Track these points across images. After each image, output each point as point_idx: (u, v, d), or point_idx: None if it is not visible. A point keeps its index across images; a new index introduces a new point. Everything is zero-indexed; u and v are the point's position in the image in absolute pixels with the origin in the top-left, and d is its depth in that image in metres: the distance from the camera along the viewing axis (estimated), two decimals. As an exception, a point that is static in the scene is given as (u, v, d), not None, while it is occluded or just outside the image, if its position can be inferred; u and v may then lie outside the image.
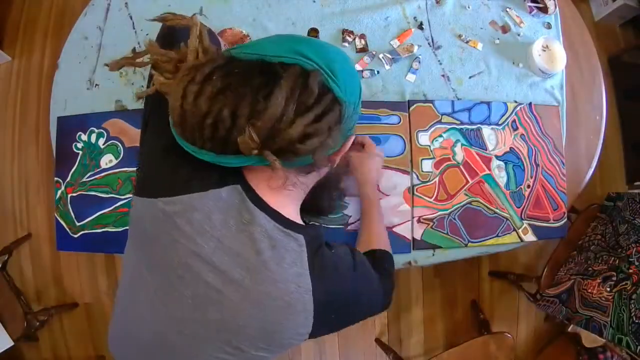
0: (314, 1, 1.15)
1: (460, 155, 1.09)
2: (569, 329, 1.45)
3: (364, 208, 0.96)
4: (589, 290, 1.34)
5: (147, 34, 1.14)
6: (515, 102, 1.14)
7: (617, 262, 1.34)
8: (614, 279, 1.30)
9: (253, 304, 0.52)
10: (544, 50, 1.15)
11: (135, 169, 1.05)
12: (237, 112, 0.46)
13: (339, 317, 0.59)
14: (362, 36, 1.13)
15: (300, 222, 0.58)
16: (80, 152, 1.09)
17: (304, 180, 0.58)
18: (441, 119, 1.09)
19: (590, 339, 1.39)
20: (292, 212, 0.58)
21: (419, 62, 1.13)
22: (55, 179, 1.08)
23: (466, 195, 1.07)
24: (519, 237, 1.08)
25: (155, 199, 0.54)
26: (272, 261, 0.52)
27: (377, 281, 0.67)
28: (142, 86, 1.11)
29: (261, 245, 0.52)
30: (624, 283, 1.27)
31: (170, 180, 0.55)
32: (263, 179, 0.55)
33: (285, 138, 0.47)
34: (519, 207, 1.09)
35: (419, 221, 1.05)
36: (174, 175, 0.55)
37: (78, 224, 1.05)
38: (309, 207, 0.65)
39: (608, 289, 1.29)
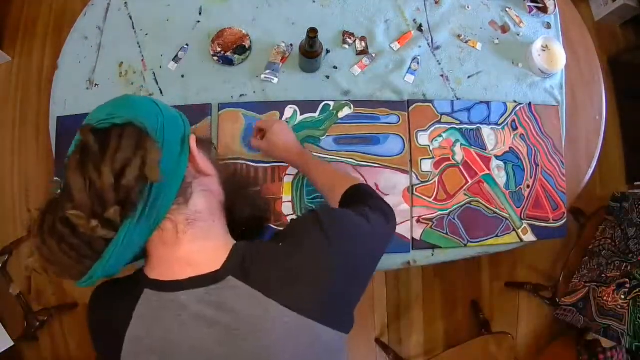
0: (314, 1, 1.15)
1: (459, 155, 1.08)
2: (588, 337, 1.45)
3: (301, 167, 0.93)
4: (605, 298, 1.34)
5: (146, 34, 1.14)
6: (515, 102, 1.14)
7: (629, 267, 1.34)
8: (628, 285, 1.30)
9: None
10: (544, 50, 1.15)
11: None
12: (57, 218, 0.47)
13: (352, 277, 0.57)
14: (363, 38, 1.13)
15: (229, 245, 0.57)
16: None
17: (199, 208, 0.56)
18: (440, 118, 1.09)
19: (610, 343, 1.39)
20: (213, 247, 0.56)
21: (418, 63, 1.13)
22: (55, 179, 1.08)
23: (466, 195, 1.07)
24: (519, 237, 1.08)
25: None
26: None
27: (366, 217, 0.63)
28: (142, 86, 1.11)
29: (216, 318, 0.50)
30: (637, 290, 1.27)
31: None
32: (158, 246, 0.54)
33: (108, 193, 0.46)
34: (518, 207, 1.09)
35: (418, 221, 1.05)
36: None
37: (78, 223, 1.05)
38: (242, 232, 0.65)
39: (622, 297, 1.30)
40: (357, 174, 1.05)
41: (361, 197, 0.74)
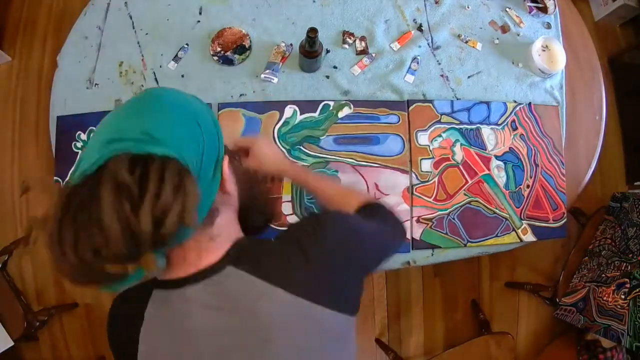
0: (314, 1, 1.15)
1: (459, 155, 1.08)
2: (588, 337, 1.45)
3: (298, 177, 0.88)
4: (605, 298, 1.34)
5: (146, 34, 1.14)
6: (515, 102, 1.14)
7: (629, 267, 1.34)
8: (628, 285, 1.30)
9: None
10: (544, 50, 1.15)
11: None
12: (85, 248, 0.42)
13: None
14: (363, 38, 1.13)
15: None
16: (80, 152, 1.08)
17: (221, 224, 0.54)
18: (440, 118, 1.09)
19: (611, 343, 1.39)
20: (217, 246, 0.54)
21: (418, 63, 1.13)
22: (55, 178, 1.08)
23: (465, 195, 1.07)
24: (519, 237, 1.08)
25: None
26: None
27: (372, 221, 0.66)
28: (142, 85, 1.11)
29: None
30: (637, 290, 1.27)
31: None
32: (176, 259, 0.52)
33: (145, 241, 0.42)
34: (518, 207, 1.09)
35: (418, 221, 1.05)
36: None
37: (77, 223, 1.05)
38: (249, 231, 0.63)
39: (623, 297, 1.30)
40: (358, 175, 1.05)
41: (378, 213, 0.73)
